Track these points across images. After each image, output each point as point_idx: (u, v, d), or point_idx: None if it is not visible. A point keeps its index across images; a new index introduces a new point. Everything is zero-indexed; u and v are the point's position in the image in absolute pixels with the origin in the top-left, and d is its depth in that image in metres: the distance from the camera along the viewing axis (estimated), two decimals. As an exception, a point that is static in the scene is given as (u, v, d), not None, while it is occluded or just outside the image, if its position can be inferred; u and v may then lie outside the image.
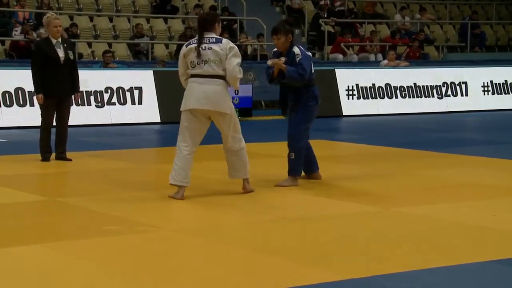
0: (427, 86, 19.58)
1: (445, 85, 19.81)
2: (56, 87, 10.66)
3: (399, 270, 5.67)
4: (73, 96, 10.85)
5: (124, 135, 14.56)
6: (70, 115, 10.96)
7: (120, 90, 16.16)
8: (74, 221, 7.36)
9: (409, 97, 19.31)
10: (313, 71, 9.00)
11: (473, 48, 26.73)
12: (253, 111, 17.57)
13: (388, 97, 19.05)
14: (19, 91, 15.17)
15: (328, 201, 8.26)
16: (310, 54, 9.16)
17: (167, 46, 22.04)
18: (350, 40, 23.88)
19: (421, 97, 19.45)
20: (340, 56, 23.39)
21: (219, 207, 8.00)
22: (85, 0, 22.42)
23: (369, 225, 7.17)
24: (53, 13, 11.37)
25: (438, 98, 19.65)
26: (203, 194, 8.43)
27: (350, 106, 18.46)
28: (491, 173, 10.14)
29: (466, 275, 5.64)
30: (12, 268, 5.74)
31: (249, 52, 21.90)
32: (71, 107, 10.96)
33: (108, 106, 15.98)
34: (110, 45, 20.80)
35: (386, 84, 19.07)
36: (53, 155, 10.88)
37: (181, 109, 8.29)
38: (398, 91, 19.19)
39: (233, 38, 20.77)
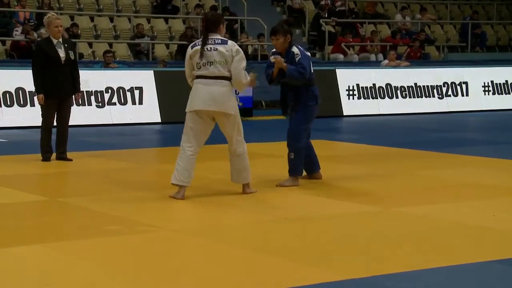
0: (427, 86, 19.58)
1: (446, 85, 19.82)
2: (57, 87, 10.66)
3: (400, 270, 5.67)
4: (73, 96, 10.86)
5: (125, 135, 14.56)
6: (70, 115, 10.96)
7: (121, 90, 16.16)
8: (74, 221, 7.36)
9: (410, 97, 19.31)
10: (312, 70, 9.01)
11: (474, 48, 26.73)
12: (254, 111, 17.58)
13: (389, 97, 19.05)
14: (20, 91, 15.17)
15: (329, 201, 8.26)
16: (309, 54, 9.16)
17: (167, 46, 22.04)
18: (351, 40, 23.89)
19: (421, 97, 19.45)
20: (340, 56, 23.39)
21: (220, 207, 8.00)
22: (85, 0, 22.42)
23: (369, 225, 7.17)
24: (54, 13, 11.37)
25: (439, 98, 19.65)
26: (204, 194, 8.44)
27: (351, 106, 18.46)
28: (491, 173, 10.14)
29: (467, 275, 5.64)
30: (12, 268, 5.74)
31: (249, 52, 21.90)
32: (71, 107, 10.96)
33: (108, 106, 15.98)
34: (110, 45, 20.80)
35: (387, 84, 19.07)
36: (54, 155, 10.88)
37: (186, 110, 8.29)
38: (398, 91, 19.19)
39: (233, 38, 20.76)
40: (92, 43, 21.03)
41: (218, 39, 8.20)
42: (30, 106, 15.07)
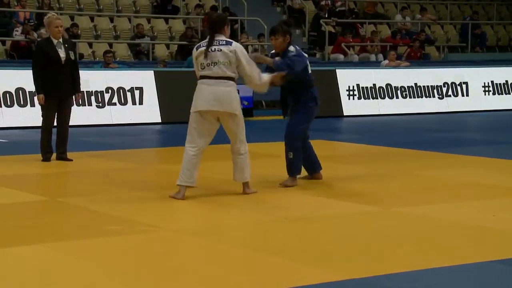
0: (428, 86, 19.57)
1: (446, 85, 19.81)
2: (57, 88, 10.66)
3: (400, 270, 5.67)
4: (74, 96, 10.86)
5: (125, 135, 14.57)
6: (71, 115, 10.96)
7: (121, 90, 16.16)
8: (74, 221, 7.36)
9: (410, 97, 19.30)
10: (309, 71, 8.97)
11: (474, 48, 26.72)
12: (254, 111, 17.58)
13: (389, 97, 19.05)
14: (20, 91, 15.17)
15: (329, 201, 8.26)
16: (306, 55, 9.13)
17: (168, 46, 22.04)
18: (351, 40, 23.89)
19: (422, 97, 19.45)
20: (341, 56, 23.39)
21: (220, 207, 8.00)
22: (86, 0, 22.42)
23: (369, 225, 7.17)
24: (54, 13, 11.38)
25: (439, 98, 19.65)
26: (204, 194, 8.44)
27: (351, 106, 18.46)
28: (491, 173, 10.14)
29: (467, 275, 5.64)
30: (12, 268, 5.74)
31: (249, 52, 21.90)
32: (72, 107, 10.96)
33: (109, 106, 15.98)
34: (111, 45, 20.80)
35: (387, 84, 19.07)
36: (54, 155, 10.88)
37: (191, 111, 8.29)
38: (398, 91, 19.19)
39: (233, 38, 20.68)
40: (92, 43, 21.03)
41: (223, 40, 8.22)
42: (30, 106, 15.07)
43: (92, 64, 18.81)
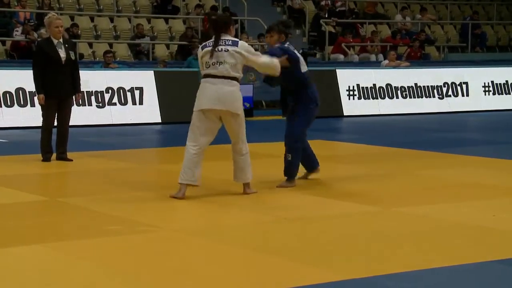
0: (428, 86, 19.58)
1: (446, 85, 19.82)
2: (57, 88, 10.67)
3: (400, 270, 5.67)
4: (74, 96, 10.86)
5: (125, 135, 14.57)
6: (71, 115, 10.96)
7: (121, 90, 16.16)
8: (75, 221, 7.36)
9: (410, 97, 19.31)
10: (303, 70, 8.91)
11: (474, 48, 26.73)
12: (254, 111, 17.58)
13: (389, 97, 19.05)
14: (20, 91, 15.17)
15: (328, 201, 8.26)
16: (299, 55, 9.06)
17: (168, 46, 22.04)
18: (351, 40, 23.89)
19: (422, 97, 19.45)
20: (341, 56, 23.39)
21: (220, 207, 8.00)
22: (86, 0, 22.42)
23: (369, 225, 7.17)
24: (54, 13, 11.38)
25: (439, 98, 19.65)
26: (204, 194, 8.43)
27: (351, 106, 18.46)
28: (491, 173, 10.14)
29: (467, 275, 5.64)
30: (12, 268, 5.74)
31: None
32: (72, 107, 10.96)
33: (109, 106, 15.98)
34: (111, 45, 20.81)
35: (387, 84, 19.08)
36: (54, 155, 10.88)
37: (194, 109, 8.29)
38: (399, 91, 19.19)
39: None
40: (92, 43, 21.04)
41: (229, 40, 8.24)
42: (30, 106, 15.07)
43: (92, 64, 18.81)
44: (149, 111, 16.32)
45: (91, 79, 15.63)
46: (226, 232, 6.93)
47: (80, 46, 19.89)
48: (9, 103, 15.10)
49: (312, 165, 9.34)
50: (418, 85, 19.46)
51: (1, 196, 8.44)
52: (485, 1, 29.79)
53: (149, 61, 20.75)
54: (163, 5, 23.09)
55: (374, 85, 18.92)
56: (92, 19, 21.93)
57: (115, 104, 16.06)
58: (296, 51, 9.06)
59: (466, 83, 20.07)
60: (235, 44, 8.22)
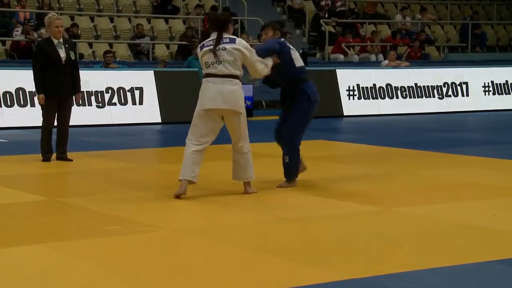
0: (428, 86, 19.57)
1: (446, 85, 19.82)
2: (57, 88, 10.67)
3: (400, 270, 5.67)
4: (74, 96, 10.86)
5: (125, 135, 14.57)
6: (71, 115, 10.96)
7: (121, 90, 16.16)
8: (75, 221, 7.36)
9: (410, 97, 19.31)
10: (297, 65, 8.84)
11: (474, 48, 26.73)
12: (254, 111, 17.57)
13: (389, 97, 19.05)
14: (20, 91, 15.17)
15: (329, 201, 8.26)
16: (297, 54, 8.99)
17: (168, 46, 22.04)
18: (351, 40, 23.89)
19: (422, 97, 19.45)
20: (341, 56, 23.39)
21: (220, 207, 8.00)
22: (86, 0, 22.42)
23: (369, 225, 7.17)
24: (54, 14, 11.38)
25: (439, 98, 19.65)
26: (204, 194, 8.44)
27: (351, 106, 18.45)
28: (491, 173, 10.14)
29: (467, 275, 5.64)
30: (12, 268, 5.74)
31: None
32: (72, 107, 10.96)
33: (109, 106, 15.98)
34: (111, 45, 20.80)
35: (387, 84, 19.07)
36: (54, 155, 10.88)
37: (197, 109, 8.28)
38: (399, 91, 19.19)
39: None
40: (92, 43, 21.04)
41: (227, 38, 8.24)
42: (30, 106, 15.07)
43: (92, 64, 18.82)
44: (149, 111, 16.31)
45: (91, 79, 15.62)
46: (226, 232, 6.93)
47: (80, 46, 19.89)
48: (9, 103, 15.10)
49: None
50: (418, 85, 19.46)
51: (1, 196, 8.44)
52: (485, 1, 29.79)
53: (149, 61, 20.75)
54: (163, 5, 23.09)
55: (374, 85, 18.92)
56: (92, 19, 21.93)
57: (115, 104, 16.05)
58: (292, 47, 9.00)
59: (466, 83, 20.07)
60: (232, 41, 8.23)
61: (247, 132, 8.40)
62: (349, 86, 18.57)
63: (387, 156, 11.69)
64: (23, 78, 14.83)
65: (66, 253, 6.13)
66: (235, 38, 8.30)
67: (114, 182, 9.33)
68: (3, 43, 19.92)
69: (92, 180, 9.55)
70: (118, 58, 19.99)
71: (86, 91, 15.30)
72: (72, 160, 10.80)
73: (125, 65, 18.96)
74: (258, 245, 6.42)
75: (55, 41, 10.67)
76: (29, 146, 12.03)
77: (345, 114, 18.30)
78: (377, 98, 18.87)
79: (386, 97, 19.00)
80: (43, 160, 10.78)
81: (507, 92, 20.65)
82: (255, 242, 6.55)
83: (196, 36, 21.20)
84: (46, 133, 10.83)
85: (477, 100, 20.07)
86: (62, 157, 10.82)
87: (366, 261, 5.94)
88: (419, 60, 23.74)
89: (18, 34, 19.67)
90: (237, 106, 8.23)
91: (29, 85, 13.77)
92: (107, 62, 17.90)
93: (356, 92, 18.62)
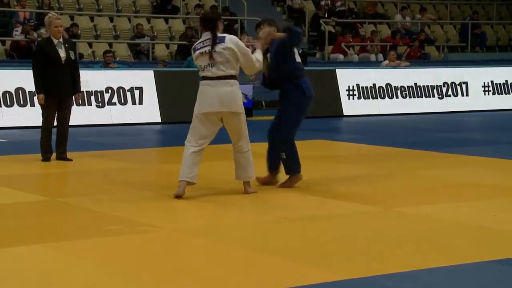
0: (427, 86, 19.58)
1: (446, 85, 19.82)
2: (57, 87, 10.67)
3: (400, 270, 5.67)
4: (74, 96, 10.86)
5: (125, 135, 14.57)
6: (71, 115, 10.96)
7: (121, 90, 16.16)
8: (75, 221, 7.36)
9: (410, 97, 19.31)
10: (299, 60, 8.81)
11: (474, 48, 26.73)
12: (254, 111, 17.57)
13: (389, 97, 19.05)
14: (20, 91, 15.17)
15: (329, 201, 8.26)
16: (295, 50, 8.96)
17: (167, 46, 22.04)
18: (351, 40, 23.90)
19: (421, 97, 19.45)
20: (340, 56, 23.40)
21: (220, 207, 8.00)
22: (85, 0, 22.43)
23: (369, 225, 7.17)
24: (54, 13, 11.39)
25: (439, 98, 19.65)
26: (204, 194, 8.43)
27: (351, 106, 18.45)
28: (491, 173, 10.14)
29: (466, 275, 5.64)
30: (12, 268, 5.74)
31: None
32: (72, 107, 10.96)
33: (108, 106, 15.98)
34: (110, 45, 20.81)
35: (387, 84, 19.08)
36: (54, 155, 10.88)
37: (195, 113, 8.25)
38: (398, 91, 19.19)
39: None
40: (92, 43, 21.04)
41: (217, 38, 8.17)
42: (30, 106, 15.07)
43: (92, 64, 18.82)
44: (149, 111, 16.32)
45: (91, 79, 15.62)
46: (226, 232, 6.93)
47: (80, 46, 19.89)
48: (9, 103, 15.10)
49: (276, 166, 8.93)
50: (418, 85, 19.46)
51: (1, 196, 8.44)
52: (485, 1, 29.79)
53: (149, 61, 20.75)
54: (163, 5, 23.09)
55: (374, 85, 18.92)
56: (92, 19, 21.93)
57: (115, 104, 16.05)
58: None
59: (466, 83, 20.07)
60: (221, 41, 8.15)
61: (247, 131, 8.39)
62: (349, 86, 18.57)
63: (387, 156, 11.69)
64: (23, 78, 14.83)
65: (66, 253, 6.13)
66: (224, 37, 8.18)
67: (114, 182, 9.33)
68: (3, 43, 19.92)
69: (92, 180, 9.55)
70: (118, 58, 20.00)
71: (86, 91, 15.30)
72: (72, 160, 10.80)
73: (125, 65, 18.97)
74: (258, 245, 6.42)
75: (55, 41, 10.67)
76: (29, 146, 12.03)
77: (345, 114, 18.29)
78: (377, 98, 18.87)
79: (386, 97, 19.00)
80: (43, 160, 10.78)
81: (507, 92, 20.65)
82: (255, 242, 6.55)
83: (196, 36, 21.19)
84: (46, 133, 10.83)
85: (476, 100, 20.07)
86: (62, 157, 10.82)
87: (366, 261, 5.94)
88: (419, 60, 23.76)
89: (18, 34, 19.67)
90: (236, 107, 8.21)
91: (29, 85, 13.77)
92: (107, 62, 17.91)
93: (356, 92, 18.62)
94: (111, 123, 15.78)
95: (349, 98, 18.51)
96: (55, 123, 10.89)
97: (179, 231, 6.92)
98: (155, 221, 7.29)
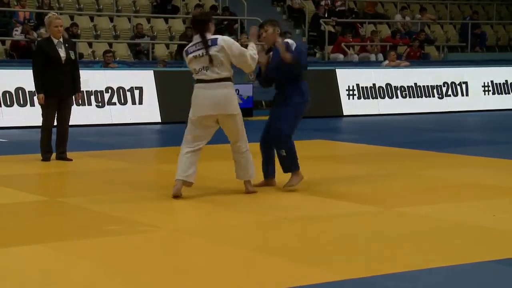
0: (427, 86, 19.58)
1: (446, 85, 19.82)
2: (57, 87, 10.67)
3: (400, 270, 5.67)
4: (74, 96, 10.86)
5: (125, 135, 14.57)
6: (71, 115, 10.96)
7: (121, 90, 16.16)
8: (74, 221, 7.36)
9: (410, 97, 19.31)
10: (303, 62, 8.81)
11: (474, 48, 26.73)
12: (254, 111, 17.57)
13: (389, 97, 19.05)
14: (20, 91, 15.17)
15: (329, 201, 8.26)
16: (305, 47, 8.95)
17: (167, 46, 22.04)
18: (351, 40, 23.89)
19: (421, 97, 19.45)
20: (340, 56, 23.39)
21: (220, 207, 8.00)
22: (85, 0, 22.42)
23: (369, 225, 7.17)
24: (54, 13, 11.39)
25: (439, 98, 19.65)
26: (204, 194, 8.43)
27: (351, 106, 18.45)
28: (491, 173, 10.14)
29: (466, 275, 5.64)
30: (12, 268, 5.74)
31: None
32: (72, 107, 10.96)
33: (108, 106, 15.98)
34: (110, 45, 20.80)
35: (387, 84, 19.07)
36: (54, 155, 10.88)
37: (190, 116, 8.23)
38: (398, 91, 19.19)
39: (233, 38, 20.73)
40: (92, 43, 21.04)
41: (209, 40, 8.13)
42: (30, 106, 15.07)
43: (92, 64, 18.82)
44: (148, 111, 16.32)
45: (91, 79, 15.62)
46: (226, 232, 6.93)
47: (79, 45, 19.88)
48: (9, 103, 15.10)
49: (272, 172, 8.89)
50: (417, 84, 19.46)
51: (1, 196, 8.44)
52: (485, 1, 29.79)
53: (149, 61, 20.75)
54: (162, 5, 23.08)
55: (374, 84, 18.92)
56: (91, 19, 21.93)
57: (114, 104, 16.06)
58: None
59: (466, 83, 20.07)
60: (214, 43, 8.11)
61: (244, 132, 8.38)
62: (349, 86, 18.57)
63: (387, 156, 11.69)
64: (23, 78, 14.83)
65: (66, 253, 6.13)
66: (217, 38, 8.14)
67: (114, 182, 9.33)
68: (3, 42, 19.92)
69: (92, 180, 9.55)
70: (117, 58, 19.99)
71: (86, 91, 15.30)
72: (72, 160, 10.80)
73: (124, 64, 18.97)
74: (258, 245, 6.42)
75: (55, 41, 10.67)
76: (29, 146, 12.03)
77: (345, 114, 18.29)
78: (377, 98, 18.87)
79: (386, 96, 19.00)
80: (43, 160, 10.78)
81: (506, 92, 20.65)
82: (255, 242, 6.56)
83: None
84: (46, 133, 10.83)
85: (476, 100, 20.07)
86: (62, 156, 10.82)
87: (366, 261, 5.94)
88: (419, 60, 23.75)
89: (17, 34, 19.67)
90: (232, 109, 8.19)
91: (29, 85, 13.77)
92: (107, 61, 17.91)
93: (356, 92, 18.62)
94: (111, 123, 15.79)
95: (349, 98, 18.51)
96: (55, 123, 10.89)
97: (179, 231, 6.92)
98: (155, 221, 7.29)
